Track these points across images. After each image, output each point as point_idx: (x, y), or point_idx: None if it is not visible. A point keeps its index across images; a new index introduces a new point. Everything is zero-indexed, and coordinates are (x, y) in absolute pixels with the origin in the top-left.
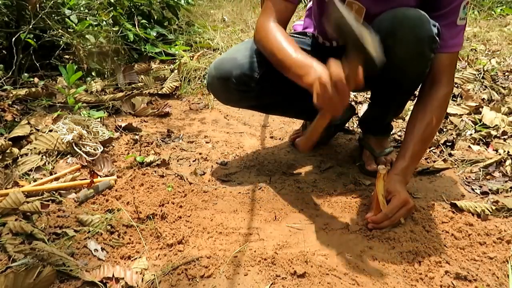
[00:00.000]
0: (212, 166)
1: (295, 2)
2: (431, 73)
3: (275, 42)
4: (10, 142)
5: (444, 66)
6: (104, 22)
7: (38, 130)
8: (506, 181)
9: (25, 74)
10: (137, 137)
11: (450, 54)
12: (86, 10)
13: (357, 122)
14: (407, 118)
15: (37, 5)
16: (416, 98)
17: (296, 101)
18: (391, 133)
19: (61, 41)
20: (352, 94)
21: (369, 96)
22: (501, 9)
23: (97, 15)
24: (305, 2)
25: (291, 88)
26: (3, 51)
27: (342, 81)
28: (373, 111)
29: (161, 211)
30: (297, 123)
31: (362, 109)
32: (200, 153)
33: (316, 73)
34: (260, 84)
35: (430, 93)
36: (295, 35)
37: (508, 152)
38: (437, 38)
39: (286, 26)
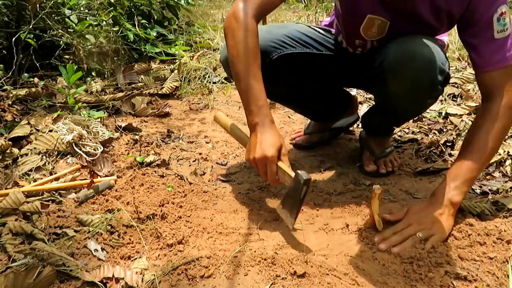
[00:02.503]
0: (212, 166)
1: None
2: (484, 92)
3: (242, 50)
4: (10, 142)
5: (494, 84)
6: (104, 22)
7: (38, 130)
8: (506, 181)
9: (25, 74)
10: (137, 137)
11: (498, 70)
12: (86, 10)
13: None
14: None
15: (37, 5)
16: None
17: (306, 96)
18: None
19: (61, 41)
20: (354, 91)
21: (369, 96)
22: None
23: (97, 15)
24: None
25: (301, 82)
26: (3, 51)
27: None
28: (376, 117)
29: (161, 211)
30: (297, 123)
31: (362, 109)
32: (200, 153)
33: (261, 129)
34: (272, 67)
35: (484, 112)
36: (320, 30)
37: (508, 152)
38: (440, 87)
39: (263, 18)
